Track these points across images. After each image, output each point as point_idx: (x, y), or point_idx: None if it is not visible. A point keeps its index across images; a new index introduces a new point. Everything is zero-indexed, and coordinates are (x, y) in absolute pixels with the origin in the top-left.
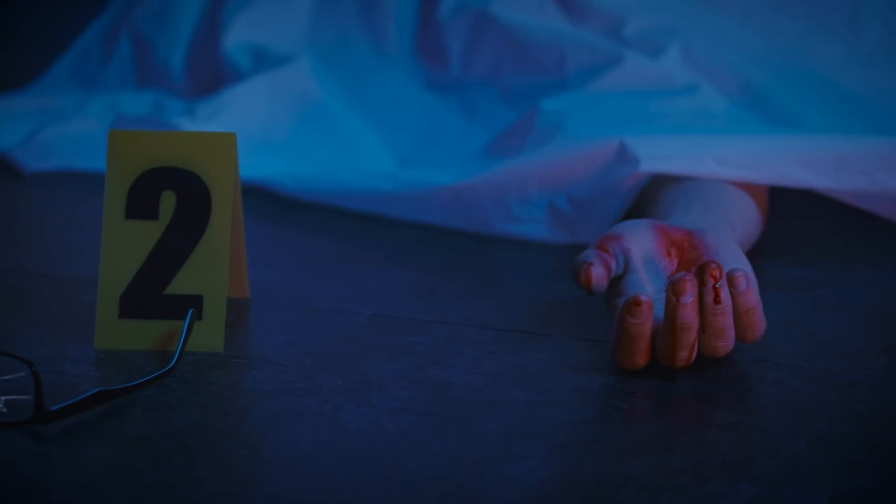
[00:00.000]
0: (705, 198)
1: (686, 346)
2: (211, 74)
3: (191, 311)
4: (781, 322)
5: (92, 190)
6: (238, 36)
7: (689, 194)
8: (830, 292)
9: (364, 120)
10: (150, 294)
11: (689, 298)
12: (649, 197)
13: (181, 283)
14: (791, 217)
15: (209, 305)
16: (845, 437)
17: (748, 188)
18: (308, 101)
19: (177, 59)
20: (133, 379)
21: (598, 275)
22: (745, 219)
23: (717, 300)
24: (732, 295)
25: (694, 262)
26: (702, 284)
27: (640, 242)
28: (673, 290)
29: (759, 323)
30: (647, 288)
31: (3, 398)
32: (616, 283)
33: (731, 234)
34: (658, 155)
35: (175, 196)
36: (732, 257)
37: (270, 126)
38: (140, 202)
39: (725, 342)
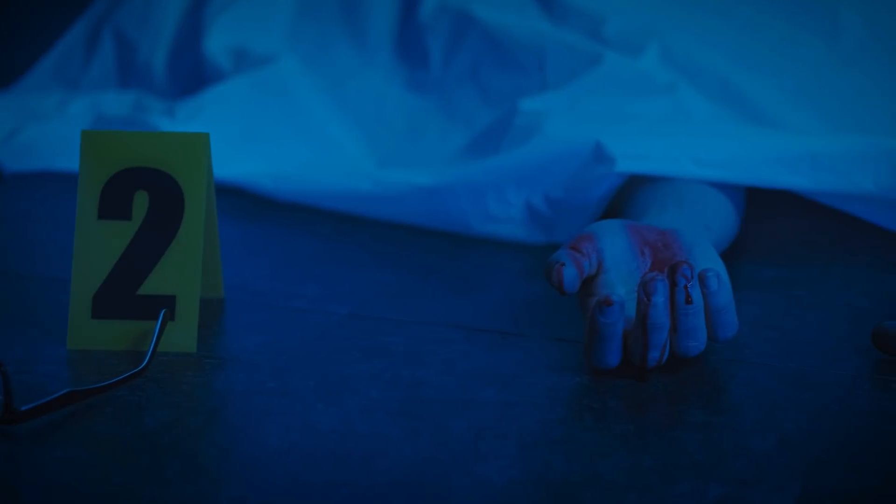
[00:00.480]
0: (681, 198)
1: (657, 346)
2: (193, 75)
3: (163, 311)
4: (755, 322)
5: (69, 190)
6: (220, 36)
7: (664, 194)
8: (805, 292)
9: (345, 120)
10: (122, 294)
11: (660, 298)
12: (626, 197)
13: (154, 284)
14: (768, 217)
15: (182, 305)
16: (815, 436)
17: (724, 188)
18: (288, 102)
19: (159, 59)
20: (105, 379)
21: (570, 275)
22: (721, 219)
23: (688, 300)
24: (704, 295)
25: (668, 261)
26: (673, 284)
27: (614, 242)
28: (644, 290)
29: (730, 323)
30: (620, 288)
31: None
32: (589, 283)
33: (705, 234)
34: (635, 155)
35: (148, 196)
36: (706, 257)
37: (250, 126)
38: (113, 202)
39: (697, 342)
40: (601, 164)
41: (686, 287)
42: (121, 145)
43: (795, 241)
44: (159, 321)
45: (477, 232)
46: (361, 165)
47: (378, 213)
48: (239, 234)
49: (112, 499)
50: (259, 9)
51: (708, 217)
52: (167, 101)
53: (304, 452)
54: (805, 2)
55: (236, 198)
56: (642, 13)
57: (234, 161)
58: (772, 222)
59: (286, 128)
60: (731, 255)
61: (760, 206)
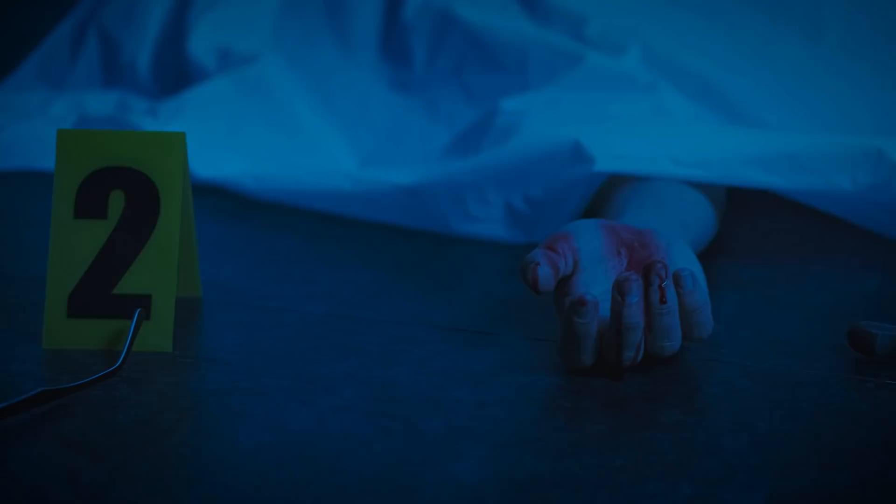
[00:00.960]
0: (659, 197)
1: (632, 345)
2: (177, 74)
3: (138, 310)
4: (732, 321)
5: (49, 189)
6: (204, 36)
7: (642, 194)
8: (783, 292)
9: (328, 119)
10: (98, 293)
11: (634, 298)
12: (605, 196)
13: (130, 283)
14: (748, 217)
15: (158, 305)
16: (787, 436)
17: (705, 188)
18: (271, 101)
19: (143, 58)
20: (80, 378)
21: (545, 274)
22: (699, 218)
23: (662, 300)
24: (679, 295)
25: (644, 261)
26: (648, 284)
27: (590, 242)
28: (619, 290)
29: (705, 323)
30: (596, 288)
31: None
32: (565, 282)
33: (683, 234)
34: (613, 154)
35: (124, 196)
36: (682, 257)
37: (232, 126)
38: (89, 202)
39: (672, 342)
40: (580, 163)
41: (661, 287)
42: (97, 144)
43: (774, 240)
44: (134, 320)
45: (457, 231)
46: (343, 165)
47: (359, 213)
48: (219, 234)
49: (80, 498)
50: (243, 8)
51: (686, 217)
52: (150, 100)
53: (275, 452)
54: (786, 2)
55: (218, 197)
56: (624, 14)
57: (215, 161)
58: (751, 222)
59: (268, 127)
60: (709, 254)
61: (740, 205)
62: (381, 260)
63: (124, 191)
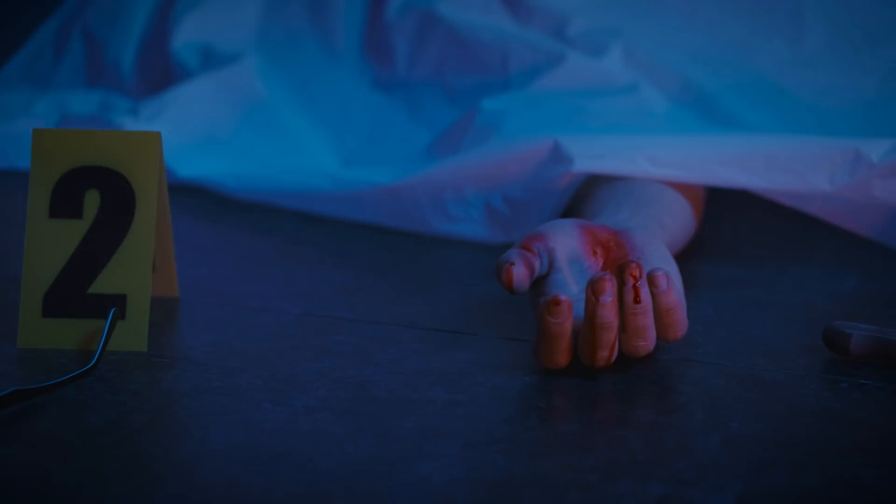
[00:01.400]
0: (636, 197)
1: (606, 345)
2: (161, 74)
3: (113, 310)
4: (709, 321)
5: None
6: (187, 35)
7: (620, 194)
8: (761, 292)
9: (310, 119)
10: (73, 293)
11: (608, 298)
12: (584, 196)
13: (105, 283)
14: (728, 217)
15: (133, 305)
16: (759, 436)
17: (683, 188)
18: (253, 101)
19: (127, 58)
20: (54, 378)
21: (519, 274)
22: (677, 218)
23: (636, 300)
24: (653, 294)
25: (620, 261)
26: (622, 284)
27: (565, 242)
28: (592, 290)
29: (680, 322)
30: (572, 287)
31: None
32: (540, 282)
33: (660, 234)
34: (591, 154)
35: (99, 195)
36: (658, 257)
37: (214, 125)
38: (64, 201)
39: (646, 342)
40: (559, 163)
41: (635, 286)
42: (72, 144)
43: (754, 240)
44: (108, 320)
45: (436, 231)
46: (325, 165)
47: (339, 213)
48: (199, 234)
49: (49, 498)
50: (226, 8)
51: (663, 217)
52: (133, 100)
53: (246, 451)
54: (768, 3)
55: (198, 197)
56: (606, 13)
57: (196, 160)
58: (731, 222)
59: (250, 127)
60: (688, 254)
61: (720, 205)
62: (360, 260)
63: (100, 190)
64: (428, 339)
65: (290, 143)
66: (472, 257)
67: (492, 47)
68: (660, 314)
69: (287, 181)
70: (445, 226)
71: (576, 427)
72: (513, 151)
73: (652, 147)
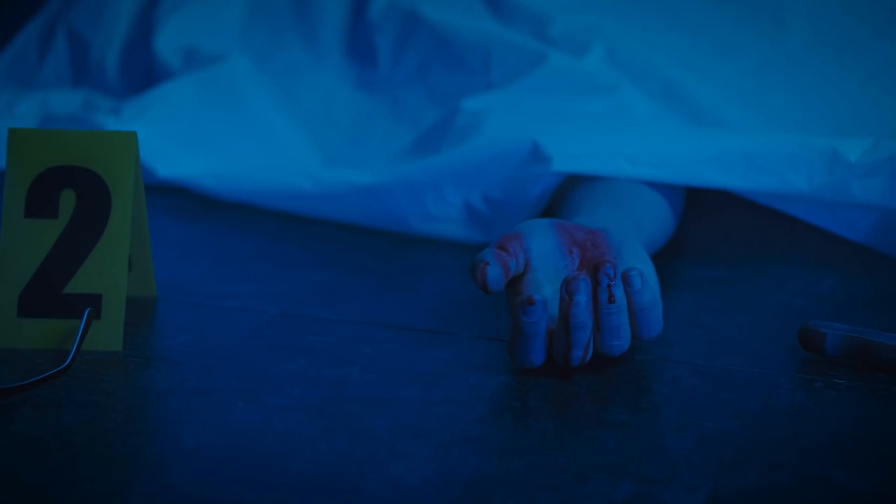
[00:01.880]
0: (614, 197)
1: (580, 344)
2: (145, 74)
3: (88, 309)
4: (686, 321)
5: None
6: (170, 35)
7: (598, 193)
8: (739, 291)
9: (293, 119)
10: (49, 293)
11: (582, 297)
12: (563, 195)
13: (80, 282)
14: (708, 216)
15: (108, 304)
16: (732, 435)
17: (663, 187)
18: (235, 101)
19: (111, 58)
20: (28, 378)
21: (494, 274)
22: (655, 218)
23: (610, 299)
24: (627, 294)
25: (596, 260)
26: (596, 283)
27: (541, 241)
28: (566, 289)
29: (655, 322)
30: (548, 287)
31: None
32: (516, 282)
33: (637, 233)
34: (570, 154)
35: (75, 195)
36: (634, 256)
37: (196, 125)
38: (40, 201)
39: (621, 341)
40: (538, 163)
41: (609, 286)
42: (48, 143)
43: (733, 240)
44: (83, 320)
45: (416, 231)
46: (307, 165)
47: (319, 213)
48: (178, 233)
49: (20, 498)
50: (210, 8)
51: (641, 216)
52: (116, 100)
53: (218, 450)
54: (750, 3)
55: (179, 197)
56: (588, 13)
57: (178, 160)
58: (711, 222)
59: (232, 127)
60: (667, 254)
61: (699, 205)
62: (340, 259)
63: (75, 190)
64: (404, 338)
65: (273, 142)
66: (452, 257)
67: (474, 47)
68: (634, 313)
69: (268, 181)
70: (425, 225)
71: (549, 426)
72: (492, 151)
73: (631, 147)
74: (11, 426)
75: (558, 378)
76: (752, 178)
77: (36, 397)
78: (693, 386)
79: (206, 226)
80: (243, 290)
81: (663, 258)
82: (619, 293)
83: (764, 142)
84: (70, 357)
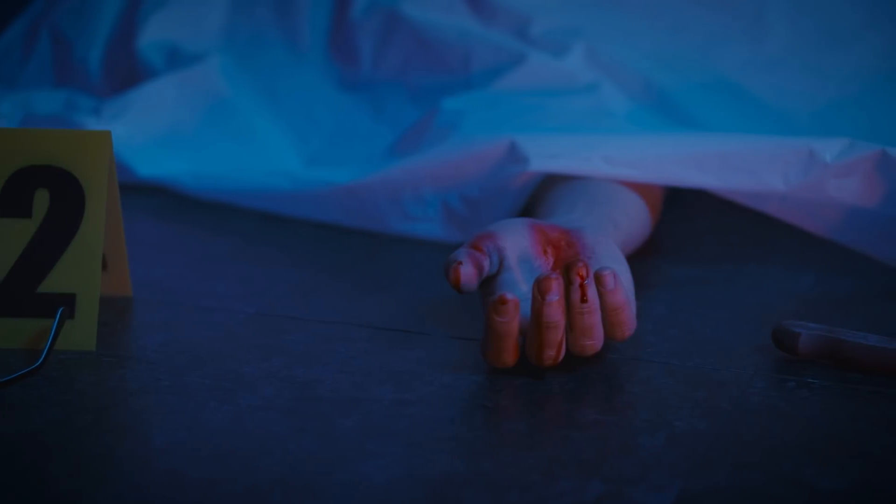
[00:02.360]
0: (591, 196)
1: (553, 344)
2: (127, 73)
3: (61, 309)
4: (661, 320)
5: None
6: (152, 34)
7: (575, 193)
8: (715, 291)
9: (274, 119)
10: (22, 292)
11: (554, 297)
12: (540, 195)
13: (54, 282)
14: (685, 216)
15: (82, 304)
16: (703, 435)
17: (641, 187)
18: (217, 101)
19: (94, 57)
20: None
21: (467, 273)
22: (632, 217)
23: (583, 299)
24: (600, 293)
25: (571, 260)
26: (568, 283)
27: (516, 241)
28: (538, 289)
29: (627, 322)
30: (522, 287)
31: None
32: (490, 281)
33: (613, 233)
34: (547, 154)
35: (49, 194)
36: (609, 256)
37: (177, 125)
38: (13, 200)
39: (593, 341)
40: (515, 163)
41: (581, 285)
42: (22, 143)
43: (711, 240)
44: (56, 319)
45: (395, 230)
46: (287, 164)
47: (298, 212)
48: (157, 233)
49: None
50: (193, 8)
51: (617, 216)
52: (98, 99)
53: (188, 450)
54: (731, 5)
55: (159, 197)
56: (569, 14)
57: (158, 159)
58: (689, 221)
59: (213, 126)
60: (645, 253)
61: (679, 204)
62: (317, 259)
63: (49, 189)
64: (379, 338)
65: (254, 142)
66: (429, 256)
67: (454, 47)
68: (607, 313)
69: (247, 180)
70: (403, 225)
71: (520, 426)
72: (470, 151)
73: (608, 147)
74: None
75: (531, 378)
76: (728, 178)
77: (7, 397)
78: (666, 385)
79: (185, 225)
80: (219, 290)
81: (640, 258)
82: (591, 293)
83: (740, 141)
84: (42, 357)
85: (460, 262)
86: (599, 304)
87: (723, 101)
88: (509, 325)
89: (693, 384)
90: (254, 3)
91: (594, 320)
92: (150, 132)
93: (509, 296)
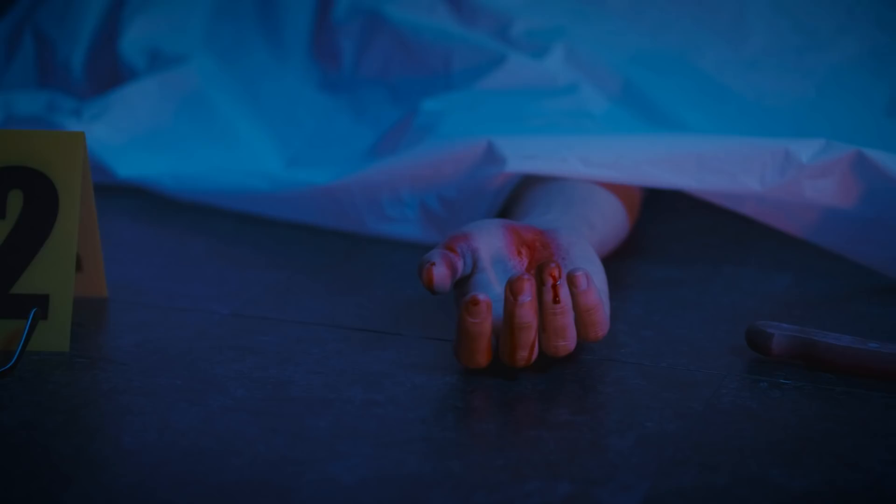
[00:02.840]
0: (567, 197)
1: (525, 345)
2: (110, 75)
3: (34, 310)
4: (635, 321)
5: None
6: (135, 36)
7: (551, 194)
8: (691, 292)
9: (256, 120)
10: None
11: (526, 297)
12: (517, 196)
13: (27, 283)
14: (665, 217)
15: (55, 305)
16: (673, 435)
17: (618, 188)
18: (198, 102)
19: (77, 58)
20: None
21: (440, 274)
22: (608, 218)
23: (555, 299)
24: (573, 294)
25: (545, 261)
26: (541, 283)
27: (489, 242)
28: (511, 290)
29: (600, 322)
30: (496, 288)
31: None
32: (464, 282)
33: (588, 234)
34: (524, 155)
35: (22, 195)
36: (583, 257)
37: (156, 126)
38: None
39: (566, 342)
40: (492, 164)
41: (554, 286)
42: None
43: (689, 241)
44: (29, 320)
45: (372, 231)
46: (268, 166)
47: (277, 213)
48: (135, 234)
49: None
50: (176, 9)
51: (593, 217)
52: (79, 101)
53: (157, 451)
54: (711, 5)
55: (138, 198)
56: (550, 14)
57: (137, 161)
58: (667, 223)
59: (194, 128)
60: (622, 254)
61: (657, 206)
62: (295, 260)
63: (23, 190)
64: (352, 338)
65: (235, 144)
66: (406, 257)
67: (435, 48)
68: (580, 314)
69: (226, 181)
70: (381, 226)
71: (491, 427)
72: (447, 152)
73: (585, 147)
74: None
75: (503, 378)
76: (704, 179)
77: None
78: (638, 386)
79: (163, 227)
80: (195, 291)
81: (618, 258)
82: (563, 293)
83: (717, 142)
84: (14, 358)
85: (433, 263)
86: (572, 305)
87: (702, 102)
88: (481, 326)
89: (665, 385)
90: (237, 4)
91: (567, 321)
92: (131, 133)
93: (481, 296)
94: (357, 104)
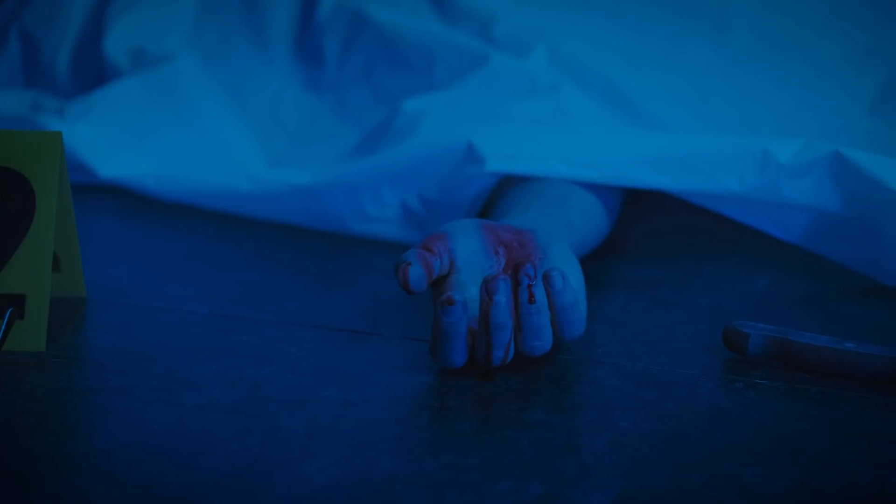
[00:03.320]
0: (546, 197)
1: (501, 345)
2: (95, 75)
3: (10, 310)
4: (613, 321)
5: None
6: (119, 36)
7: (531, 193)
8: (671, 292)
9: (239, 120)
10: None
11: (502, 297)
12: (497, 196)
13: (3, 283)
14: (646, 217)
15: (32, 304)
16: (647, 435)
17: (599, 188)
18: (181, 102)
19: (62, 58)
20: None
21: (416, 274)
22: (588, 218)
23: (531, 300)
24: (548, 294)
25: (521, 261)
26: (516, 284)
27: (466, 242)
28: (486, 290)
29: (576, 322)
30: (472, 288)
31: None
32: (441, 282)
33: (567, 234)
34: (505, 154)
35: None
36: (560, 257)
37: (140, 126)
38: None
39: (542, 342)
40: (472, 163)
41: (529, 286)
42: None
43: (669, 241)
44: (5, 320)
45: (354, 231)
46: (250, 166)
47: (258, 213)
48: (115, 234)
49: None
50: (160, 9)
51: (572, 217)
52: (64, 100)
53: (130, 451)
54: (694, 4)
55: (120, 198)
56: (533, 14)
57: (120, 161)
58: (648, 223)
59: (177, 128)
60: (602, 254)
61: (639, 206)
62: (274, 260)
63: None
64: (329, 338)
65: (217, 143)
66: (386, 257)
67: (418, 48)
68: (556, 314)
69: (207, 182)
70: (362, 226)
71: (466, 426)
72: (428, 151)
73: (565, 147)
74: None
75: (479, 378)
76: (684, 179)
77: None
78: (613, 386)
79: (145, 226)
80: (174, 291)
81: (598, 259)
82: (539, 293)
83: (696, 142)
84: None
85: (409, 263)
86: (548, 305)
87: (684, 103)
88: (457, 326)
89: (641, 385)
90: (221, 5)
91: (542, 321)
92: (114, 133)
93: (456, 297)
94: (340, 104)
